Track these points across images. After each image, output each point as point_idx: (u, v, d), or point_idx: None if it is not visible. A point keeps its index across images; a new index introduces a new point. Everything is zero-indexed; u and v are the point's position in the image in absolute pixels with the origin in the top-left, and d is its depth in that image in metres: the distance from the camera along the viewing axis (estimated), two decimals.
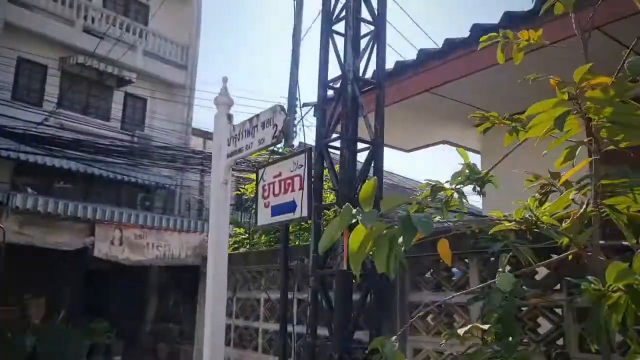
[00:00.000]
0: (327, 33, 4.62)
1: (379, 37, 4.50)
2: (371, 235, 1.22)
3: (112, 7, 16.86)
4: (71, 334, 11.63)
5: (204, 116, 61.44)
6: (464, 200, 1.59)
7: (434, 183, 1.60)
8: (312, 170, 4.42)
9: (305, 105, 6.39)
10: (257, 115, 4.59)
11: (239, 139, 4.72)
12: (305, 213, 4.35)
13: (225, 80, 5.36)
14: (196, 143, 18.46)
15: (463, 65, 4.75)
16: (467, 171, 1.60)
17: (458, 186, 1.59)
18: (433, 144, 7.11)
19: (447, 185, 1.60)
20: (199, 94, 18.57)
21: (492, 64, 3.60)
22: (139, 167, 15.04)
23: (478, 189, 1.61)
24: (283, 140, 4.50)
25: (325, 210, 5.08)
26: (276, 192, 4.79)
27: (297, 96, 15.39)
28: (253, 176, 7.77)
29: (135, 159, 14.73)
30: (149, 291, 14.18)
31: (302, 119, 6.79)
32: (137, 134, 16.69)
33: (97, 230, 12.33)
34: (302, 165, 4.48)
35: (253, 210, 5.84)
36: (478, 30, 4.49)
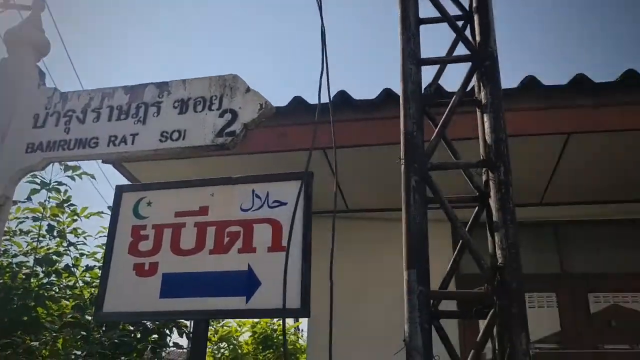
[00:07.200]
0: None
1: None
2: None
3: None
4: None
5: None
6: None
7: None
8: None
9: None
10: (164, 85, 2.27)
11: (76, 121, 2.27)
12: (295, 303, 1.98)
13: (40, 5, 2.73)
14: None
15: None
16: None
17: None
18: None
19: None
20: None
21: None
22: None
23: None
24: (238, 140, 2.08)
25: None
26: (186, 245, 2.19)
27: None
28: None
29: None
30: None
31: None
32: None
33: None
34: (282, 202, 2.16)
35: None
36: None
